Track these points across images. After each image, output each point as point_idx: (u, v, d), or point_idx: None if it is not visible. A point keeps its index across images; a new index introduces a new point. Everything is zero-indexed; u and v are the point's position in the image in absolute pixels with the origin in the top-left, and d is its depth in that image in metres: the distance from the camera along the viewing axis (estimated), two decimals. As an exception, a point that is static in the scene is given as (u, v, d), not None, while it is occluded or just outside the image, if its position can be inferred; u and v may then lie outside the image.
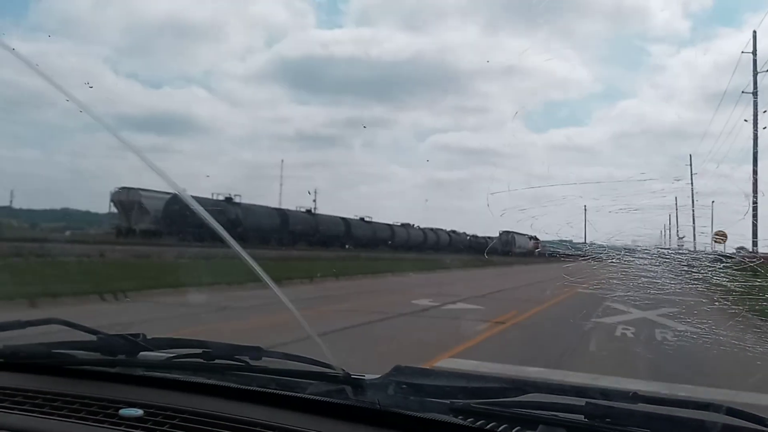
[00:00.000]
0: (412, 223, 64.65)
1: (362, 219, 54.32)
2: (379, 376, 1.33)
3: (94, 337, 1.49)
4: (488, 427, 1.13)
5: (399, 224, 60.72)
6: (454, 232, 70.07)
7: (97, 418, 1.22)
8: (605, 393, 1.20)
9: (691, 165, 39.77)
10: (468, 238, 73.29)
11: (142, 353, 1.46)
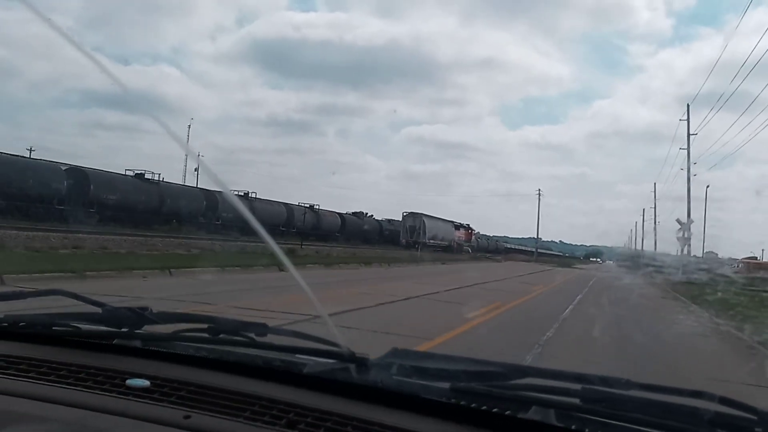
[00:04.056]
0: (366, 212, 51.21)
1: (138, 176, 33.48)
2: (381, 356, 1.35)
3: (99, 309, 1.48)
4: (483, 408, 1.16)
5: (242, 193, 38.36)
6: (355, 214, 54.38)
7: (104, 387, 1.22)
8: (604, 379, 1.23)
9: (689, 152, 39.49)
10: (379, 222, 57.39)
11: (147, 326, 1.46)
